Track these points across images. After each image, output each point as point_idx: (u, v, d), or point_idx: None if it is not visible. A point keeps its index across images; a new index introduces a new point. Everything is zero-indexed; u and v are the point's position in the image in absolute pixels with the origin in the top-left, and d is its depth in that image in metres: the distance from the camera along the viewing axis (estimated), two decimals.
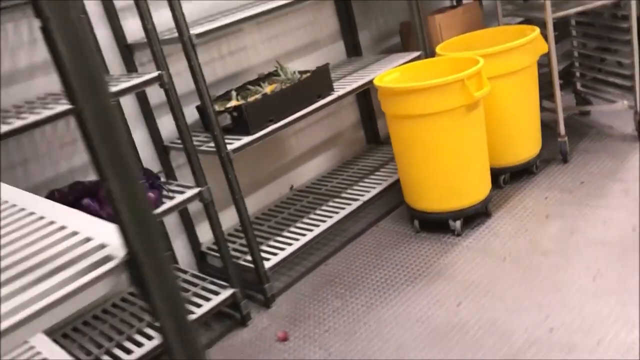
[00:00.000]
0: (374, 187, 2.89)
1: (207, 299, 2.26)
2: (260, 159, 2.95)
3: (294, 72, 2.70)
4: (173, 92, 2.06)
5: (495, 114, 2.75)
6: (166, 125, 2.53)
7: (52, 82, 2.21)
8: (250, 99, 2.50)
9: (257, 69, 2.90)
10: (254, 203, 2.96)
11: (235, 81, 2.81)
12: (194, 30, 2.10)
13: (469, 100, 2.38)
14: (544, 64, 2.91)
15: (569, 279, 2.15)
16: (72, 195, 2.04)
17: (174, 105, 2.07)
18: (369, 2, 3.39)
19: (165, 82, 2.01)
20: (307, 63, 3.13)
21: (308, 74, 2.59)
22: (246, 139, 2.30)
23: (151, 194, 2.03)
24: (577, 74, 3.43)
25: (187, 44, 2.07)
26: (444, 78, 2.37)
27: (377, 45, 3.48)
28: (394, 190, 2.89)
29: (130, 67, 2.40)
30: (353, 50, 3.31)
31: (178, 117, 2.09)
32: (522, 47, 2.67)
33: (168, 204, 2.06)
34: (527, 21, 3.17)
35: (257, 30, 2.89)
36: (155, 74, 1.99)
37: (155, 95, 2.47)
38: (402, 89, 2.45)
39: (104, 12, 2.34)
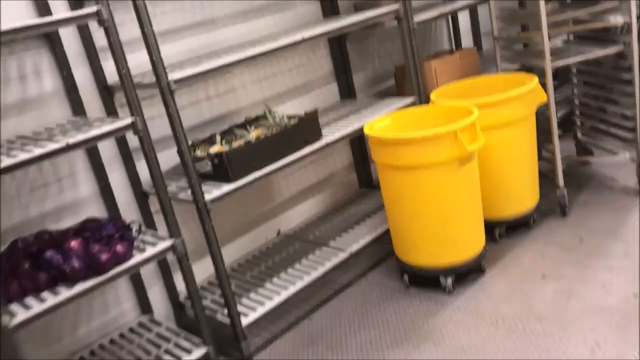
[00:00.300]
0: (364, 237, 2.75)
1: (178, 358, 2.12)
2: (246, 200, 2.83)
3: (282, 117, 2.60)
4: (147, 139, 1.95)
5: (491, 164, 2.63)
6: (146, 169, 2.42)
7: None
8: (235, 144, 2.40)
9: (246, 111, 2.80)
10: (239, 247, 2.83)
11: (222, 123, 2.71)
12: (174, 75, 2.00)
13: (462, 153, 2.27)
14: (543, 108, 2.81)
15: (564, 349, 2.00)
16: (36, 245, 1.92)
17: (147, 152, 1.96)
18: (365, 44, 3.31)
19: (139, 129, 1.90)
20: (300, 104, 3.04)
21: (296, 120, 2.48)
22: (226, 188, 2.18)
23: (119, 247, 1.91)
24: (578, 122, 3.32)
25: (165, 89, 1.97)
26: (435, 129, 2.26)
27: (372, 87, 3.38)
28: (385, 239, 2.76)
29: (110, 109, 2.31)
30: (347, 92, 3.22)
31: (152, 165, 1.98)
32: (519, 98, 2.57)
33: (137, 257, 1.94)
34: (526, 68, 3.07)
35: (247, 72, 2.80)
36: (128, 120, 1.89)
37: (135, 137, 2.36)
38: (392, 140, 2.34)
39: (84, 51, 2.25)
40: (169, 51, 2.51)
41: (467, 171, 2.37)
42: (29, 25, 1.66)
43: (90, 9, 1.78)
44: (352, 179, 3.37)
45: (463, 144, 2.25)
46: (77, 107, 2.23)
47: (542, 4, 2.62)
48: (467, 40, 3.89)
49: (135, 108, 1.90)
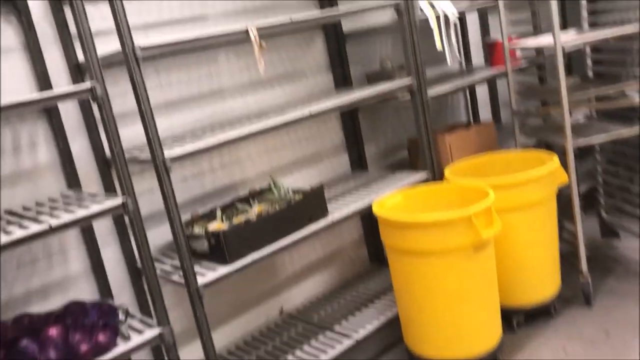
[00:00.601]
0: (372, 321, 2.56)
1: None
2: (247, 276, 2.68)
3: (288, 191, 2.49)
4: (138, 220, 1.84)
5: (508, 248, 2.47)
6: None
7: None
8: (236, 220, 2.28)
9: (251, 182, 2.70)
10: (238, 327, 2.66)
11: (225, 195, 2.60)
12: (171, 152, 1.90)
13: (476, 239, 2.12)
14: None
15: None
16: (12, 331, 1.78)
17: (137, 234, 1.84)
18: (377, 115, 3.22)
19: (129, 210, 1.79)
20: (309, 176, 2.93)
21: (300, 195, 2.36)
22: (222, 270, 2.05)
23: (101, 337, 1.77)
24: (602, 201, 3.15)
25: (160, 167, 1.87)
26: (448, 214, 2.12)
27: (384, 159, 3.27)
28: (396, 323, 2.57)
29: (107, 182, 2.21)
30: (358, 163, 3.11)
31: (142, 247, 1.85)
32: (539, 179, 2.42)
33: (120, 348, 1.79)
34: (546, 143, 2.94)
35: (253, 142, 2.71)
36: (118, 200, 1.78)
37: None
38: (401, 222, 2.20)
39: (83, 123, 2.18)
40: (174, 122, 2.44)
41: (482, 258, 2.21)
42: (12, 103, 1.58)
43: (84, 85, 1.71)
44: (362, 254, 3.21)
45: (478, 230, 2.10)
46: (72, 179, 2.14)
47: (562, 80, 2.52)
48: (485, 112, 3.79)
49: (127, 188, 1.79)
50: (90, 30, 1.72)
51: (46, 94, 1.66)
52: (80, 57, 2.09)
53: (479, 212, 2.12)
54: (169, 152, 1.90)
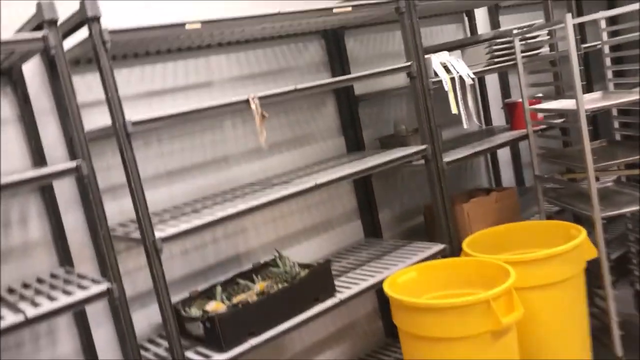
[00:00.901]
0: None
1: None
2: (250, 354, 2.50)
3: (294, 265, 2.33)
4: (124, 306, 1.70)
5: (531, 330, 2.25)
6: (142, 321, 2.18)
7: None
8: (236, 299, 2.14)
9: (256, 253, 2.56)
10: None
11: (228, 268, 2.46)
12: (162, 232, 1.78)
13: (496, 326, 1.92)
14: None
15: None
16: None
17: (123, 320, 1.70)
18: (392, 179, 3.07)
19: (115, 297, 1.66)
20: (318, 245, 2.78)
21: (306, 272, 2.21)
22: (217, 358, 1.89)
23: None
24: (636, 272, 2.92)
25: (151, 249, 1.74)
26: (464, 299, 1.94)
27: (400, 224, 3.10)
28: None
29: (103, 259, 2.10)
30: (372, 230, 2.95)
31: (127, 335, 1.71)
32: (565, 254, 2.23)
33: None
34: (573, 212, 2.75)
35: (259, 213, 2.58)
36: (103, 287, 1.65)
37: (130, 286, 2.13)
38: (413, 305, 2.02)
39: (79, 196, 2.09)
40: (175, 191, 2.34)
41: (502, 344, 2.01)
42: None
43: (70, 164, 1.62)
44: (377, 328, 3.01)
45: (497, 316, 1.91)
46: (64, 256, 2.03)
47: (587, 147, 2.36)
48: (507, 173, 3.62)
49: (113, 274, 1.67)
50: (77, 107, 1.64)
51: (27, 174, 1.56)
52: None
53: (498, 296, 1.94)
54: (160, 232, 1.78)
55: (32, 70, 2.00)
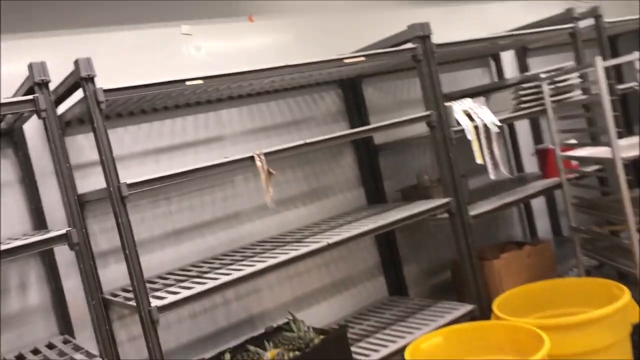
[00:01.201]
0: None
1: None
2: None
3: (308, 330, 2.18)
4: None
5: None
6: None
7: None
8: None
9: (271, 315, 2.41)
10: None
11: (240, 331, 2.32)
12: (158, 301, 1.66)
13: None
14: None
15: None
16: None
17: None
18: (417, 233, 2.90)
19: None
20: (338, 305, 2.61)
21: (319, 339, 2.05)
22: None
23: None
24: None
25: (145, 318, 1.62)
26: None
27: (426, 281, 2.91)
28: None
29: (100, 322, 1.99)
30: (397, 287, 2.77)
31: None
32: (606, 318, 2.01)
33: None
34: (616, 270, 2.52)
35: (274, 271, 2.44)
36: None
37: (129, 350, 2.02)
38: None
39: (74, 262, 2.00)
40: (183, 251, 2.24)
41: None
42: None
43: (59, 231, 1.53)
44: None
45: None
46: (64, 323, 1.94)
47: (626, 197, 2.16)
48: (543, 222, 3.39)
49: (105, 349, 1.55)
50: (69, 170, 1.57)
51: (13, 244, 1.48)
52: (80, 190, 1.95)
53: None
54: (156, 301, 1.66)
55: (34, 129, 1.95)
